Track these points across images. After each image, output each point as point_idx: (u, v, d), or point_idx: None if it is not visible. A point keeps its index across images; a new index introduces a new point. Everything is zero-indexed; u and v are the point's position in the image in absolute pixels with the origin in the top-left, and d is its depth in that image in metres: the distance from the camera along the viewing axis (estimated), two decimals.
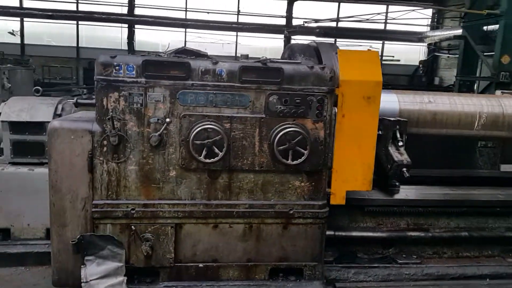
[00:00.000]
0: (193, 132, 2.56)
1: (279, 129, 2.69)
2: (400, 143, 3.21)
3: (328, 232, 3.22)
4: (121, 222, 2.66)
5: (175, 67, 2.56)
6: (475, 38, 8.87)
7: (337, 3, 23.20)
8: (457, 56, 12.50)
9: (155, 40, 25.69)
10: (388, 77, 22.47)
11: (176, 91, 2.57)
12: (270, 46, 26.75)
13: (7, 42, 18.60)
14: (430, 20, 26.57)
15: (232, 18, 23.30)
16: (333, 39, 26.14)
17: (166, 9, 23.59)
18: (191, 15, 24.01)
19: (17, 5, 19.45)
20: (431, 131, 3.58)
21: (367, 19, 20.03)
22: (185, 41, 24.73)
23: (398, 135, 3.24)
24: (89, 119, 2.61)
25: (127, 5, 22.35)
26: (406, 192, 3.47)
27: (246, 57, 2.99)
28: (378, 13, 20.71)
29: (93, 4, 21.50)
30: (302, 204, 2.86)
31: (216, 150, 2.59)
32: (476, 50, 8.68)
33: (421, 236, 3.40)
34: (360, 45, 23.51)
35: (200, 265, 2.82)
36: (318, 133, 2.76)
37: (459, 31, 11.44)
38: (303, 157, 2.70)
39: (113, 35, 22.28)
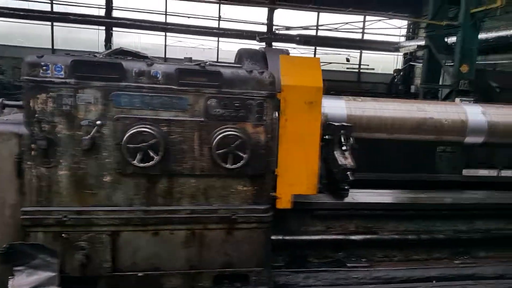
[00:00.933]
0: (127, 136, 2.49)
1: (218, 132, 2.64)
2: (344, 147, 3.22)
3: (276, 237, 3.20)
4: (54, 230, 2.56)
5: (107, 68, 2.48)
6: (438, 48, 9.07)
7: (316, 12, 23.46)
8: None
9: (134, 43, 25.35)
10: (367, 85, 22.94)
11: (109, 92, 2.49)
12: None
13: None
14: (406, 30, 27.18)
15: (214, 24, 23.26)
16: (313, 48, 26.55)
17: (146, 12, 23.38)
18: (171, 19, 23.83)
19: None
20: (381, 136, 3.60)
21: (346, 29, 20.37)
22: (165, 45, 24.65)
23: (343, 140, 3.24)
24: (19, 121, 2.50)
25: (105, 7, 22.05)
26: (355, 196, 3.48)
27: (190, 60, 2.94)
28: (356, 22, 21.07)
29: (69, 5, 21.10)
30: (246, 208, 2.81)
31: (152, 154, 2.53)
32: (438, 60, 8.88)
33: (370, 239, 3.40)
34: (339, 54, 23.91)
35: (140, 273, 2.73)
36: (259, 137, 2.72)
37: (422, 42, 11.69)
38: (242, 161, 2.66)
39: (90, 37, 21.89)
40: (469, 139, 3.72)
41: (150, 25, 20.28)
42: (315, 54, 27.19)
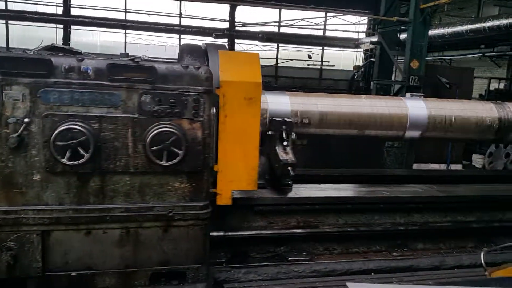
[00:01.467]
0: (55, 133, 2.43)
1: (153, 129, 2.61)
2: (285, 143, 3.27)
3: (218, 233, 3.21)
4: None
5: (35, 64, 2.41)
6: (390, 44, 9.29)
7: (278, 9, 23.56)
8: None
9: (93, 41, 24.75)
10: (328, 82, 23.31)
11: (37, 89, 2.42)
12: None
13: None
14: (366, 26, 27.73)
15: (175, 21, 22.94)
16: (276, 44, 26.63)
17: (105, 9, 22.79)
18: (131, 17, 23.36)
19: None
20: (325, 132, 3.67)
21: (307, 26, 20.57)
22: (125, 42, 24.10)
23: (284, 135, 3.29)
24: None
25: (62, 5, 21.33)
26: (298, 191, 3.53)
27: (126, 55, 2.89)
28: (316, 18, 21.33)
29: (25, 3, 20.32)
30: (183, 205, 2.79)
31: (82, 152, 2.47)
32: (390, 55, 9.13)
33: (311, 233, 3.47)
34: (302, 51, 24.13)
35: (73, 273, 2.67)
36: (196, 134, 2.71)
37: (375, 38, 11.98)
38: (178, 158, 2.64)
39: (48, 36, 21.15)
40: (409, 133, 3.85)
41: (109, 23, 19.72)
42: (277, 51, 27.41)
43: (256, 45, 24.99)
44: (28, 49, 2.77)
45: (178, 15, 24.24)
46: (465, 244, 3.88)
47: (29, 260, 2.56)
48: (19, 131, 2.40)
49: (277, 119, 3.32)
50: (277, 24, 22.67)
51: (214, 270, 3.13)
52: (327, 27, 23.05)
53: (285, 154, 3.26)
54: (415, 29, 8.44)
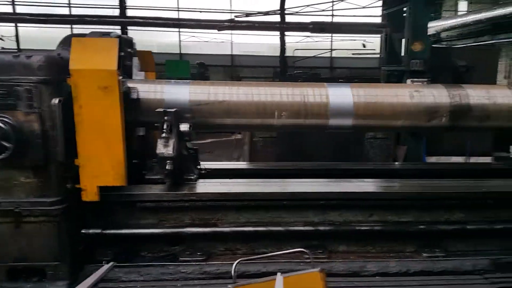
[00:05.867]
0: None
1: None
2: (165, 134, 3.02)
3: (95, 230, 3.07)
4: None
5: None
6: (395, 26, 8.22)
7: None
8: None
9: (151, 41, 25.88)
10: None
11: None
12: (267, 42, 26.57)
13: None
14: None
15: (227, 17, 23.25)
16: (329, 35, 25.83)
17: (159, 9, 23.79)
18: (184, 15, 24.17)
19: None
20: (225, 122, 3.36)
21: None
22: (180, 40, 24.98)
23: (166, 126, 3.04)
24: None
25: (118, 7, 22.71)
26: (195, 186, 3.28)
27: None
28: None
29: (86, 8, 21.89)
30: (32, 201, 2.70)
31: None
32: (393, 38, 8.12)
33: (208, 232, 3.18)
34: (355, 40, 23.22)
35: None
36: (33, 126, 2.60)
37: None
38: (8, 152, 2.54)
39: None
40: (334, 122, 3.39)
41: (162, 22, 20.16)
42: (331, 41, 26.44)
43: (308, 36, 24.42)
44: None
45: (229, 11, 24.51)
46: (403, 248, 3.32)
47: None
48: None
49: (160, 110, 3.08)
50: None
51: (92, 269, 2.99)
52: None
53: (164, 147, 3.01)
54: (416, 7, 7.43)
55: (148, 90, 3.28)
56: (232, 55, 25.44)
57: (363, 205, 3.24)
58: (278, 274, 2.15)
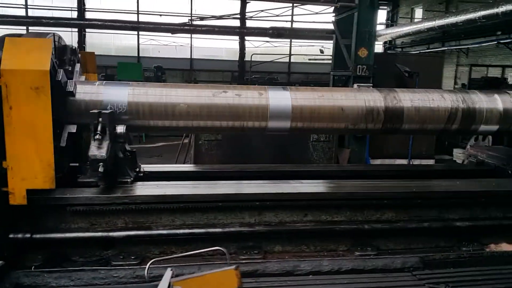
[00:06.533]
0: None
1: None
2: (98, 136, 2.98)
3: (23, 235, 2.97)
4: None
5: None
6: (343, 32, 8.49)
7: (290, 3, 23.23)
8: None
9: (109, 44, 25.47)
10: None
11: None
12: (225, 47, 26.66)
13: None
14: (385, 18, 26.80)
15: (186, 20, 23.14)
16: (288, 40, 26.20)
17: (118, 12, 23.38)
18: (143, 18, 23.91)
19: None
20: (164, 124, 3.36)
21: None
22: (138, 43, 24.62)
23: (99, 128, 3.00)
24: None
25: (76, 9, 22.17)
26: (129, 189, 3.24)
27: None
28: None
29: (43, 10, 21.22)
30: None
31: None
32: (340, 44, 8.42)
33: (141, 235, 3.15)
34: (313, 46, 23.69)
35: None
36: None
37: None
38: None
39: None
40: (273, 124, 3.46)
41: (120, 25, 19.84)
42: (290, 46, 26.90)
43: (267, 41, 24.66)
44: None
45: (189, 15, 24.38)
46: (336, 247, 3.42)
47: None
48: None
49: (94, 111, 3.04)
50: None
51: (20, 274, 2.89)
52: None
53: (97, 149, 2.97)
54: (361, 14, 7.74)
55: (85, 91, 3.25)
56: (191, 59, 25.35)
57: (298, 206, 3.31)
58: (168, 269, 2.18)
